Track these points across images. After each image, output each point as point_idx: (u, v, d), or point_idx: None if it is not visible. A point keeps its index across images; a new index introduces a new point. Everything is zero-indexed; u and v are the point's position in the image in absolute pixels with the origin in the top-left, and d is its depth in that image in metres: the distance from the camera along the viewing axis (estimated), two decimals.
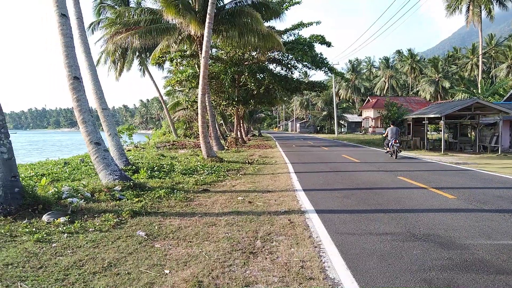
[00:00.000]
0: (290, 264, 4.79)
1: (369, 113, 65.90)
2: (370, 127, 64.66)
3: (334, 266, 4.74)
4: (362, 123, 71.19)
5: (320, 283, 4.25)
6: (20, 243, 5.43)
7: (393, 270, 4.58)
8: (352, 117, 78.08)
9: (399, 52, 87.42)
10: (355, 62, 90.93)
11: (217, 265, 4.74)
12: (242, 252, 5.21)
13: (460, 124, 26.47)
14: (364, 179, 12.11)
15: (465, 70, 71.10)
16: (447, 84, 67.52)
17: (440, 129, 33.40)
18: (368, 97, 72.39)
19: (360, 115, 75.29)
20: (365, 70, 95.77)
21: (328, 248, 5.36)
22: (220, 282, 4.23)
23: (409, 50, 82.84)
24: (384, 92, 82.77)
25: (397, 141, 19.93)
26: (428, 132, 28.74)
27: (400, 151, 20.67)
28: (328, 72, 29.72)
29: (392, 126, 20.75)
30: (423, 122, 25.87)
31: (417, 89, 76.80)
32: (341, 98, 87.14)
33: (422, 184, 10.91)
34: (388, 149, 21.00)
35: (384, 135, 23.56)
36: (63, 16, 9.62)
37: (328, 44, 28.35)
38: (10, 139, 7.24)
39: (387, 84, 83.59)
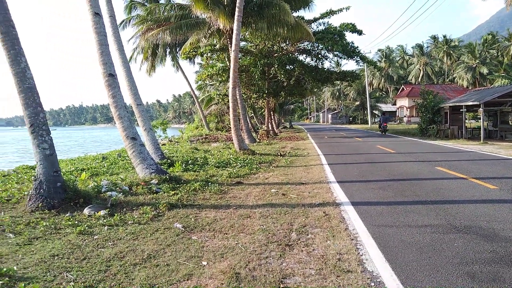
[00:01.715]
0: (327, 257, 4.75)
1: (403, 102, 64.18)
2: (405, 116, 63.00)
3: (372, 258, 4.66)
4: (397, 112, 69.43)
5: (358, 276, 4.19)
6: (64, 235, 5.65)
7: (434, 263, 4.45)
8: (386, 107, 76.16)
9: (434, 37, 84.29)
10: (386, 51, 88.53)
11: (253, 257, 4.77)
12: (277, 244, 5.21)
13: (500, 111, 25.33)
14: (401, 170, 11.83)
15: (505, 54, 67.78)
16: (485, 70, 64.66)
17: (479, 117, 32.02)
18: (402, 86, 70.42)
19: (394, 104, 73.42)
20: (398, 58, 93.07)
21: (365, 241, 5.28)
22: (257, 274, 4.25)
23: (444, 36, 79.79)
24: (419, 80, 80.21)
25: (386, 124, 33.16)
26: (466, 121, 27.68)
27: (387, 130, 33.53)
28: (360, 61, 29.11)
29: (382, 115, 35.67)
30: (461, 110, 24.94)
31: (454, 76, 73.98)
32: (373, 87, 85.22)
33: (462, 174, 10.54)
34: (380, 129, 33.74)
35: (379, 121, 38.04)
36: (97, 14, 9.85)
37: (360, 32, 27.76)
38: (51, 135, 7.53)
39: (422, 71, 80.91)
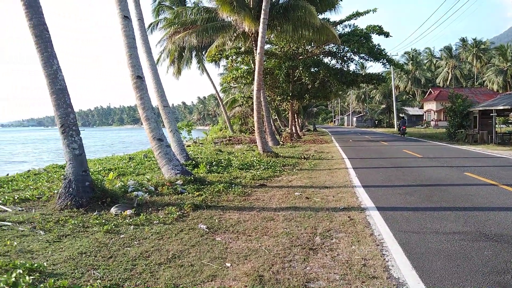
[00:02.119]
0: (352, 262, 4.69)
1: (431, 105, 62.78)
2: (432, 120, 61.63)
3: (398, 265, 4.57)
4: (424, 116, 67.99)
5: (384, 283, 4.11)
6: (92, 234, 5.78)
7: (463, 272, 4.33)
8: (413, 110, 74.75)
9: (463, 40, 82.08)
10: (413, 53, 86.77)
11: (277, 260, 4.75)
12: (301, 248, 5.18)
13: None
14: (428, 175, 11.57)
15: None
16: None
17: (510, 121, 31.04)
18: (430, 89, 68.87)
19: (421, 107, 71.93)
20: (426, 61, 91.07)
21: (391, 247, 5.18)
22: (281, 277, 4.24)
23: (474, 38, 77.59)
24: (447, 83, 78.23)
25: (404, 127, 36.74)
26: (496, 125, 26.82)
27: (406, 132, 36.79)
28: (387, 64, 28.67)
29: (401, 119, 40.34)
30: (491, 114, 24.19)
31: (483, 79, 71.85)
32: (400, 90, 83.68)
33: (492, 181, 10.21)
34: (399, 132, 37.86)
35: (398, 124, 43.45)
36: (126, 18, 10.06)
37: (386, 34, 27.38)
38: (80, 136, 7.72)
39: (450, 74, 78.88)
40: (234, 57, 29.36)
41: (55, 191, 8.13)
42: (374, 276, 4.27)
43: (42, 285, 3.91)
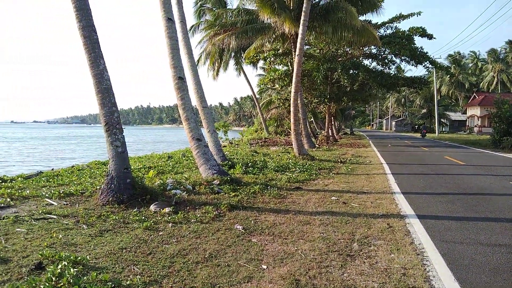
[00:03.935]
0: (391, 271, 4.57)
1: (475, 111, 60.28)
2: (475, 126, 59.16)
3: (439, 276, 4.41)
4: (467, 121, 65.36)
5: None
6: (132, 230, 5.93)
7: (510, 287, 4.12)
8: (455, 115, 72.06)
9: (510, 42, 77.93)
10: (457, 56, 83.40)
11: (313, 265, 4.70)
12: (338, 254, 5.10)
13: None
14: (471, 183, 11.10)
15: None
16: None
17: None
18: (474, 94, 66.09)
19: (465, 113, 69.21)
20: (470, 65, 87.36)
21: (432, 257, 5.01)
22: (317, 283, 4.19)
23: None
24: (493, 87, 74.69)
25: (425, 131, 46.50)
26: None
27: (425, 135, 46.05)
28: (430, 66, 27.76)
29: (423, 125, 52.83)
30: None
31: None
32: (442, 94, 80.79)
33: None
34: (421, 134, 46.26)
35: (421, 129, 50.24)
36: (170, 20, 10.30)
37: (430, 37, 26.57)
38: (123, 134, 7.96)
39: (496, 79, 75.22)
40: (272, 58, 29.38)
41: (98, 187, 8.41)
42: (414, 286, 4.14)
43: (85, 277, 4.05)
